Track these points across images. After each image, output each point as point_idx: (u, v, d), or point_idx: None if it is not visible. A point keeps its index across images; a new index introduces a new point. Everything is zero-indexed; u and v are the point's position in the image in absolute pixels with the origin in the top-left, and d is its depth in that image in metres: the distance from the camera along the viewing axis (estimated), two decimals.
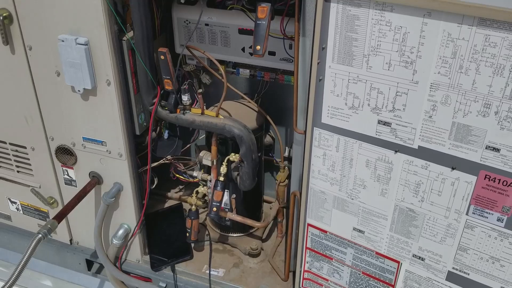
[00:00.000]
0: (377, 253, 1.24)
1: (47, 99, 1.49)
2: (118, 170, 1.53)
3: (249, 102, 1.58)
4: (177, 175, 1.73)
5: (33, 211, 1.78)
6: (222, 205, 1.51)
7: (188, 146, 1.73)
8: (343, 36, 1.04)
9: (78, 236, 1.79)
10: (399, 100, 1.02)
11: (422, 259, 1.17)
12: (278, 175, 1.59)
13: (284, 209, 1.72)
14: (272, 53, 1.46)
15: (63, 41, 1.32)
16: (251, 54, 1.51)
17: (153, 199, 1.91)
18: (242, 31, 1.49)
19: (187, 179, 1.73)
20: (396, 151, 1.08)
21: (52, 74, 1.42)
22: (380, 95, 1.04)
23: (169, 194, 1.97)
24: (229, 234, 1.75)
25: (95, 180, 1.57)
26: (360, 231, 1.24)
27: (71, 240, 1.81)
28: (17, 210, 1.82)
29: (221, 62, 1.57)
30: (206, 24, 1.52)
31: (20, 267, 1.31)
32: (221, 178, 1.41)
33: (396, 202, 1.14)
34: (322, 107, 1.14)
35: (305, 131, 1.22)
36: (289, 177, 1.62)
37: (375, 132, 1.09)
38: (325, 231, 1.31)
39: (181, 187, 2.02)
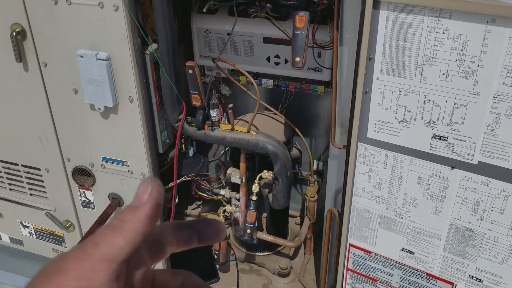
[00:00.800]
0: (428, 274, 1.16)
1: (63, 118, 1.40)
2: None
3: (274, 114, 1.50)
4: (200, 193, 1.65)
5: (47, 235, 1.69)
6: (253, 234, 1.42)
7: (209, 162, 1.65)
8: (393, 45, 0.96)
9: None
10: (457, 113, 0.95)
11: (480, 281, 1.09)
12: (307, 190, 1.52)
13: (313, 225, 1.64)
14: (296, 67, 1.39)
15: (82, 56, 1.24)
16: (276, 64, 1.43)
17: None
18: (266, 40, 1.41)
19: (210, 196, 1.65)
20: (452, 167, 1.00)
21: (69, 91, 1.34)
22: (435, 108, 0.97)
23: (188, 211, 1.89)
24: (256, 253, 1.67)
25: (116, 202, 1.49)
26: (409, 251, 1.16)
27: None
28: (30, 235, 1.73)
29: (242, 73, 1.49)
30: (228, 34, 1.44)
31: None
32: (254, 198, 1.33)
33: (451, 221, 1.06)
34: (369, 121, 1.06)
35: (347, 146, 1.14)
36: (318, 191, 1.55)
37: (429, 147, 1.01)
38: (370, 252, 1.23)
39: (198, 203, 1.94)
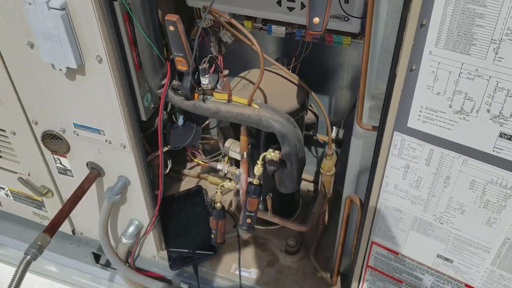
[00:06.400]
0: (467, 285, 0.95)
1: (22, 77, 1.14)
2: (123, 163, 1.22)
3: (285, 71, 1.20)
4: (196, 160, 1.41)
5: (25, 198, 1.50)
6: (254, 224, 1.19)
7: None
8: (459, 8, 0.65)
9: (81, 226, 1.52)
10: None
11: None
12: (323, 164, 1.27)
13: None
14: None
15: (30, 3, 0.93)
16: (290, 9, 1.10)
17: (167, 177, 1.59)
18: None
19: (207, 163, 1.41)
20: None
21: (23, 46, 1.05)
22: (509, 99, 0.68)
23: (185, 171, 1.67)
24: (261, 226, 1.47)
25: (95, 173, 1.26)
26: (447, 259, 0.94)
27: (73, 231, 1.54)
28: (7, 196, 1.54)
29: (248, 17, 1.18)
30: None
31: None
32: (256, 182, 1.08)
33: (508, 235, 0.83)
34: (411, 106, 0.78)
35: (379, 132, 0.87)
36: (336, 163, 1.30)
37: (492, 148, 0.75)
38: (396, 253, 1.02)
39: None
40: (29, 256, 1.08)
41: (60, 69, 1.03)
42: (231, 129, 1.24)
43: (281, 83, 1.18)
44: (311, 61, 1.27)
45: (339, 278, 1.33)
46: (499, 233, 0.84)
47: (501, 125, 0.72)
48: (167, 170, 1.39)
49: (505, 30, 0.64)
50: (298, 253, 1.40)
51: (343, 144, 1.33)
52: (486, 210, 0.82)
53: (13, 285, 1.07)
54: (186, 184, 1.65)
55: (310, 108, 1.30)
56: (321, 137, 1.36)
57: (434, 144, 0.80)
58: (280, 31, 1.19)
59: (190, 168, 1.67)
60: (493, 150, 0.75)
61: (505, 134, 0.72)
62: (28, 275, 1.71)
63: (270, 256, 1.43)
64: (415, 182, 0.88)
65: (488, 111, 0.72)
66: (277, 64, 1.15)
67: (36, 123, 1.24)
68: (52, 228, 1.13)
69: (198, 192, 1.54)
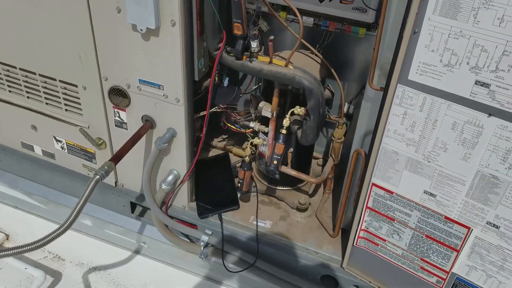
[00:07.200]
0: (446, 217, 1.21)
1: (104, 37, 1.42)
2: (174, 116, 1.49)
3: (311, 53, 1.50)
4: (228, 125, 1.69)
5: (79, 151, 1.75)
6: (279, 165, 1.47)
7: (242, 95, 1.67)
8: None
9: (124, 178, 1.77)
10: (505, 60, 0.95)
11: (497, 227, 1.14)
12: (335, 132, 1.55)
13: (335, 167, 1.68)
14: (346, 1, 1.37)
15: None
16: (320, 0, 1.41)
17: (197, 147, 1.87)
18: None
19: (238, 129, 1.69)
20: (490, 115, 1.02)
21: (112, 10, 1.34)
22: (483, 54, 0.97)
23: (214, 143, 1.94)
24: (277, 187, 1.73)
25: (149, 124, 1.53)
26: (431, 194, 1.20)
27: (116, 182, 1.79)
28: (62, 149, 1.80)
29: (283, 8, 1.48)
30: None
31: (78, 209, 1.28)
32: (284, 131, 1.36)
33: (479, 167, 1.09)
34: (412, 62, 1.07)
35: (385, 87, 1.15)
36: (345, 134, 1.58)
37: (469, 93, 1.03)
38: (391, 192, 1.28)
39: (224, 136, 1.98)
40: (98, 176, 1.32)
41: (140, 29, 1.32)
42: (263, 97, 1.52)
43: (309, 60, 1.47)
44: (331, 49, 1.58)
45: (340, 232, 1.58)
46: (472, 166, 1.11)
47: (477, 74, 1.00)
48: (204, 132, 1.66)
49: (482, 1, 0.93)
50: (306, 211, 1.65)
51: (351, 119, 1.61)
52: (463, 147, 1.09)
53: (81, 202, 1.30)
54: (214, 154, 1.92)
55: (328, 87, 1.59)
56: (333, 116, 1.64)
57: (427, 93, 1.08)
58: (309, 21, 1.50)
59: (219, 141, 1.94)
60: (470, 95, 1.03)
61: (479, 82, 1.00)
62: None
63: (283, 212, 1.68)
64: (411, 126, 1.15)
65: (468, 63, 1.00)
66: (307, 44, 1.44)
67: (106, 79, 1.52)
68: (117, 158, 1.39)
69: (225, 158, 1.81)
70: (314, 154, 1.82)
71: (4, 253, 1.20)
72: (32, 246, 1.21)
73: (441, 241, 1.25)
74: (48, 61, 1.56)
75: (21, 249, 1.20)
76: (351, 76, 1.65)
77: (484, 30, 0.95)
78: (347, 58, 1.61)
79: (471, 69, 1.00)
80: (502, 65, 0.96)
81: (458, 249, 1.23)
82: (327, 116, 1.68)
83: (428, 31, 1.02)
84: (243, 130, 1.67)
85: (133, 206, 1.81)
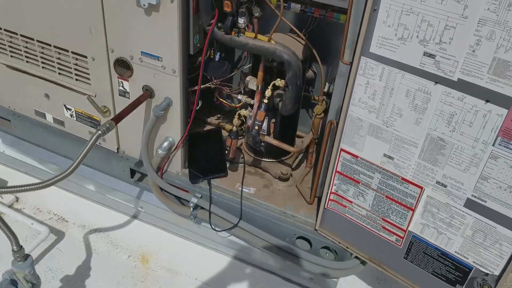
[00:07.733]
0: (402, 178, 1.36)
1: (112, 12, 1.61)
2: (170, 86, 1.66)
3: (297, 36, 1.67)
4: (221, 99, 1.86)
5: (86, 118, 1.94)
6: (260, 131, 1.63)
7: (234, 73, 1.84)
8: None
9: (125, 145, 1.95)
10: (446, 34, 1.11)
11: (444, 186, 1.29)
12: (315, 108, 1.71)
13: (316, 141, 1.84)
14: None
15: None
16: None
17: (193, 123, 2.04)
18: None
19: (229, 104, 1.86)
20: (436, 82, 1.18)
21: None
22: (429, 28, 1.13)
23: (209, 120, 2.11)
24: (262, 159, 1.89)
25: (148, 93, 1.71)
26: (390, 157, 1.36)
27: (118, 149, 1.97)
28: (71, 117, 1.98)
29: None
30: None
31: (79, 158, 1.45)
32: (265, 100, 1.53)
33: (428, 131, 1.25)
34: (373, 36, 1.23)
35: (351, 62, 1.32)
36: (325, 111, 1.74)
37: (419, 63, 1.19)
38: (357, 156, 1.43)
39: (219, 115, 2.16)
40: (100, 131, 1.50)
41: (143, 5, 1.50)
42: (251, 73, 1.70)
43: (293, 41, 1.64)
44: (316, 34, 1.74)
45: (316, 200, 1.73)
46: (423, 130, 1.26)
47: (424, 46, 1.16)
48: (199, 106, 1.83)
49: None
50: (288, 181, 1.81)
51: (331, 98, 1.77)
52: (415, 112, 1.25)
53: (83, 152, 1.48)
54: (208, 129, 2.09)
55: (311, 68, 1.76)
56: (317, 96, 1.81)
57: (385, 64, 1.25)
58: (296, 7, 1.67)
59: (214, 119, 2.12)
60: (420, 65, 1.19)
61: (426, 53, 1.16)
62: (68, 195, 2.16)
63: (266, 181, 1.84)
64: (372, 94, 1.31)
65: (417, 37, 1.16)
66: (293, 27, 1.61)
67: (112, 51, 1.70)
68: (118, 118, 1.57)
69: (217, 132, 1.99)
70: (299, 133, 1.98)
71: (4, 189, 1.38)
72: (35, 186, 1.38)
73: (399, 201, 1.40)
74: (62, 34, 1.75)
75: (23, 188, 1.37)
76: (334, 59, 1.81)
77: (429, 7, 1.11)
78: (331, 43, 1.78)
79: (420, 41, 1.16)
80: (445, 38, 1.12)
81: (413, 208, 1.38)
82: (312, 97, 1.85)
83: (385, 8, 1.18)
84: (233, 104, 1.84)
85: (132, 172, 1.99)
